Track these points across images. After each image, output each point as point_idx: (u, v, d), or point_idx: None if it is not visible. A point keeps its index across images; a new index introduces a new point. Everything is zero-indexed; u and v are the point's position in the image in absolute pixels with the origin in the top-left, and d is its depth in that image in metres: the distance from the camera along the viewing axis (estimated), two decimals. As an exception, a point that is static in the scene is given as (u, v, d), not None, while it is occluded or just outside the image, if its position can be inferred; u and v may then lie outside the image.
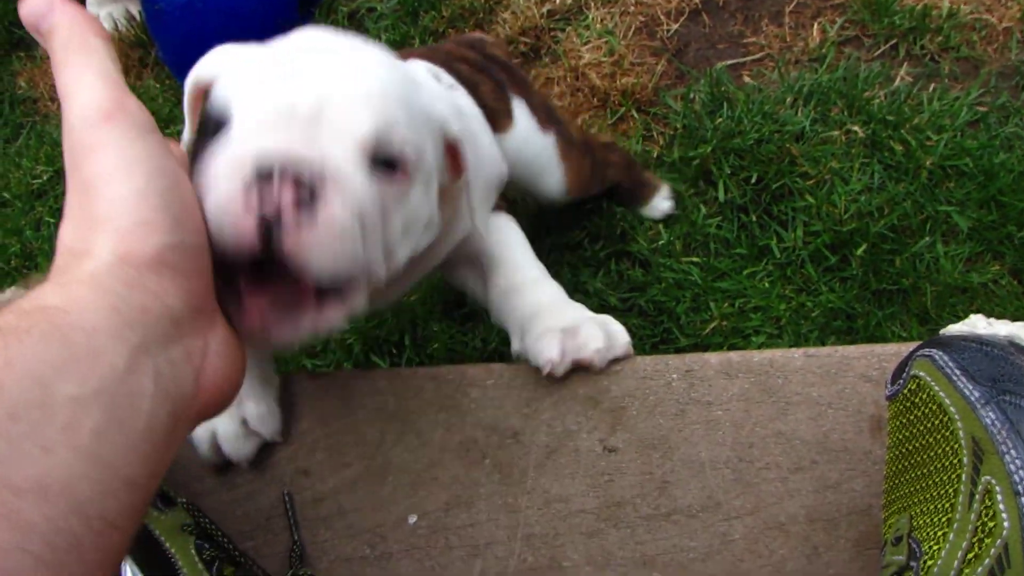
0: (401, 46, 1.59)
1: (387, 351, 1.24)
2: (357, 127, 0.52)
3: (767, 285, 1.23)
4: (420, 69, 0.79)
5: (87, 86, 0.44)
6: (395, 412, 0.75)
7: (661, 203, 1.31)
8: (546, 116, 1.06)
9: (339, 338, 1.26)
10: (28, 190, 1.69)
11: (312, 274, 0.49)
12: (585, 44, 1.52)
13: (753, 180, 1.30)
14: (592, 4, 1.58)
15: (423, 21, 1.62)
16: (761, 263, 1.25)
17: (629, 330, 1.19)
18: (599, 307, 1.22)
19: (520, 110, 1.01)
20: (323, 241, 0.48)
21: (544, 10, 1.58)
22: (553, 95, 1.49)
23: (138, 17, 1.95)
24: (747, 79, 1.47)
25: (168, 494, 0.65)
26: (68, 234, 0.42)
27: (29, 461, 0.33)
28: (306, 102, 0.51)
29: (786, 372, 0.72)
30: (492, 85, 0.98)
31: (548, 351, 0.72)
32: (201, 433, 0.72)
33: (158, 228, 0.42)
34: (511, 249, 0.82)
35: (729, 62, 1.50)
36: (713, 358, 0.75)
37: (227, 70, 0.58)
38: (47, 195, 1.68)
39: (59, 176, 1.70)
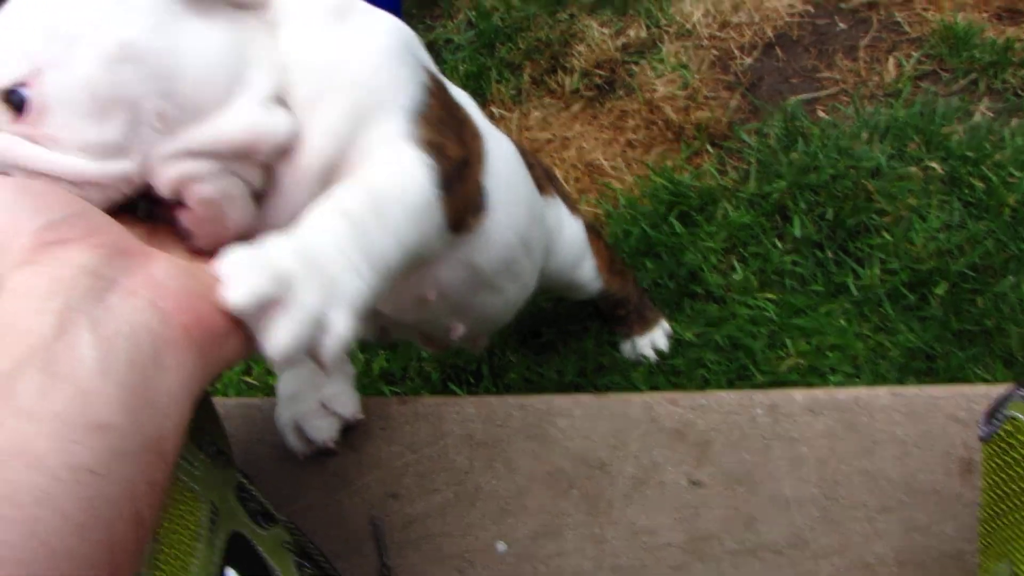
0: (478, 77, 1.63)
1: (465, 380, 1.26)
2: None
3: (844, 323, 1.22)
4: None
5: None
6: (483, 440, 0.77)
7: (659, 338, 1.23)
8: (573, 206, 1.04)
9: (417, 367, 1.29)
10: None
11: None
12: (659, 78, 1.54)
13: (829, 216, 1.30)
14: (666, 38, 1.60)
15: (500, 53, 1.66)
16: (838, 300, 1.24)
17: (705, 365, 1.21)
18: (675, 344, 1.23)
19: (555, 202, 0.98)
20: None
21: (619, 43, 1.60)
22: (627, 128, 1.51)
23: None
24: (821, 114, 1.47)
25: (269, 512, 0.67)
26: None
27: None
28: None
29: (871, 410, 0.73)
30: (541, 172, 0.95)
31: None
32: (284, 421, 0.76)
33: (21, 225, 0.44)
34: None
35: (803, 96, 1.50)
36: (798, 394, 0.75)
37: None
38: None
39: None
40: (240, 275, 0.46)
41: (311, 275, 0.47)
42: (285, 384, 0.79)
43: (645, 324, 1.22)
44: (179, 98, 0.52)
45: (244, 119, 0.54)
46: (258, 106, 0.54)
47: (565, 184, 1.45)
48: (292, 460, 0.80)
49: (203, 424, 0.67)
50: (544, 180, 0.94)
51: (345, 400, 0.77)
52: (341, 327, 0.48)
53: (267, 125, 0.55)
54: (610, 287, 1.10)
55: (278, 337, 0.45)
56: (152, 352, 0.42)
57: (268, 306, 0.45)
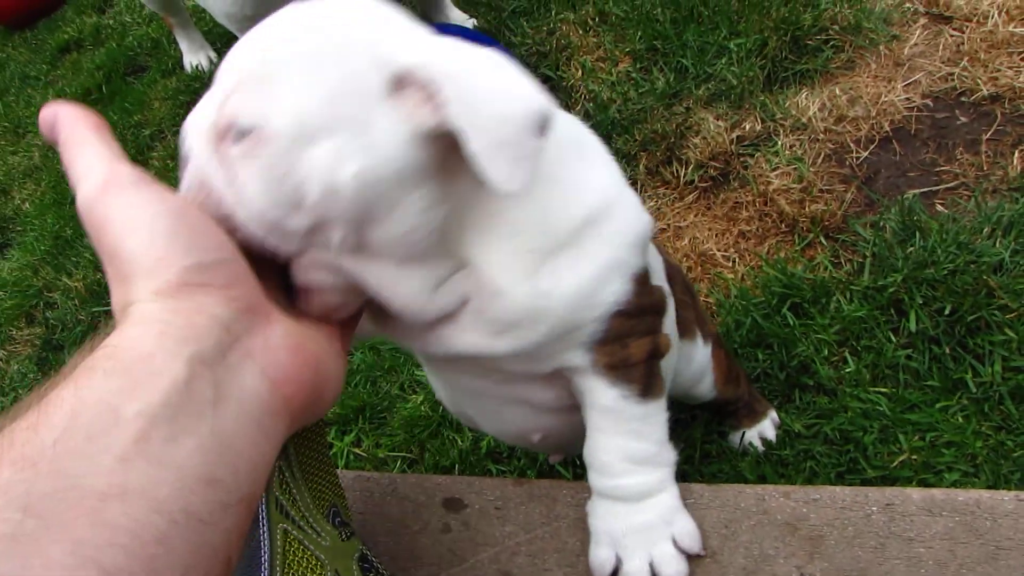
0: (594, 168, 1.68)
1: (571, 462, 1.28)
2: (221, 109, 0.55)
3: (961, 420, 1.19)
4: None
5: (85, 169, 0.50)
6: (594, 523, 0.79)
7: (768, 429, 1.23)
8: (706, 326, 1.03)
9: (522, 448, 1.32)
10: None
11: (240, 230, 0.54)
12: (774, 170, 1.56)
13: (947, 311, 1.28)
14: (781, 131, 1.63)
15: (616, 143, 1.72)
16: (955, 397, 1.22)
17: (813, 457, 1.19)
18: (783, 435, 1.22)
19: (693, 343, 0.98)
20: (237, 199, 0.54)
21: (734, 136, 1.64)
22: (741, 219, 1.53)
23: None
24: (940, 208, 1.46)
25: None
26: (115, 300, 0.48)
27: (109, 472, 0.39)
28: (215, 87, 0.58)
29: (995, 515, 0.71)
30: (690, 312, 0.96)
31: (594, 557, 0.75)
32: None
33: (173, 259, 0.47)
34: None
35: (921, 190, 1.49)
36: (915, 493, 0.75)
37: None
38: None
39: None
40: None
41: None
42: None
43: (754, 417, 1.23)
44: (368, 240, 0.56)
45: (405, 292, 0.59)
46: (422, 292, 0.60)
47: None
48: (407, 534, 0.83)
49: (331, 497, 0.72)
50: (691, 322, 0.95)
51: (691, 530, 0.76)
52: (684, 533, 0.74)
53: (421, 306, 0.61)
54: (724, 395, 1.11)
55: None
56: (257, 418, 0.47)
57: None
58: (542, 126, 0.52)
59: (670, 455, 0.75)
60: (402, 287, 0.59)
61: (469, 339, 0.64)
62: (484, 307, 0.63)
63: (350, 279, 0.58)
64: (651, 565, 0.72)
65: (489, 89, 0.53)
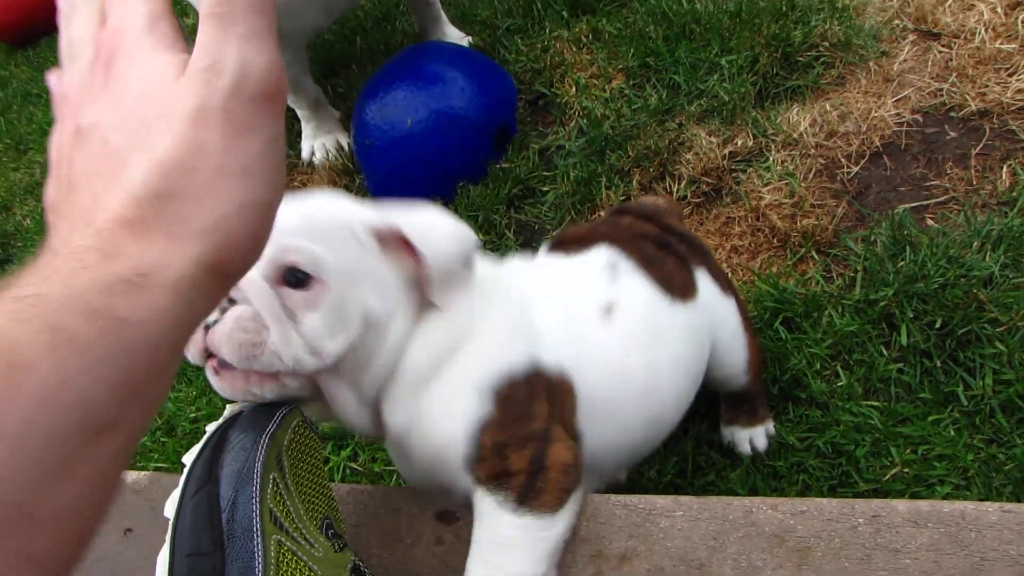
0: (588, 183, 1.70)
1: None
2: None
3: (952, 433, 1.20)
4: (597, 260, 0.94)
5: (254, 52, 0.42)
6: (586, 536, 0.80)
7: (760, 437, 1.25)
8: (726, 283, 1.10)
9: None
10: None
11: (224, 357, 0.69)
12: (766, 185, 1.58)
13: (937, 325, 1.29)
14: (773, 147, 1.65)
15: (610, 159, 1.73)
16: (946, 410, 1.23)
17: (806, 470, 1.20)
18: (777, 447, 1.23)
19: (703, 279, 1.05)
20: (222, 337, 0.68)
21: (726, 152, 1.65)
22: (733, 234, 1.54)
23: (347, 148, 2.18)
24: (931, 222, 1.47)
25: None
26: (133, 208, 0.40)
27: None
28: None
29: (979, 526, 0.72)
30: (675, 260, 1.02)
31: None
32: None
33: (250, 248, 0.44)
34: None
35: (911, 205, 1.51)
36: (901, 505, 0.75)
37: None
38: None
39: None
40: None
41: None
42: None
43: (753, 420, 1.24)
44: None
45: (344, 404, 0.78)
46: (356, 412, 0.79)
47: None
48: (400, 546, 0.84)
49: (324, 509, 0.73)
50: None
51: None
52: None
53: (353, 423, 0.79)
54: (753, 383, 1.16)
55: None
56: None
57: None
58: (469, 259, 0.78)
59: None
60: (343, 400, 0.77)
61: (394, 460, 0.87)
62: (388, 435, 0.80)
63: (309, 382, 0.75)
64: None
65: (440, 234, 0.76)
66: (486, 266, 0.84)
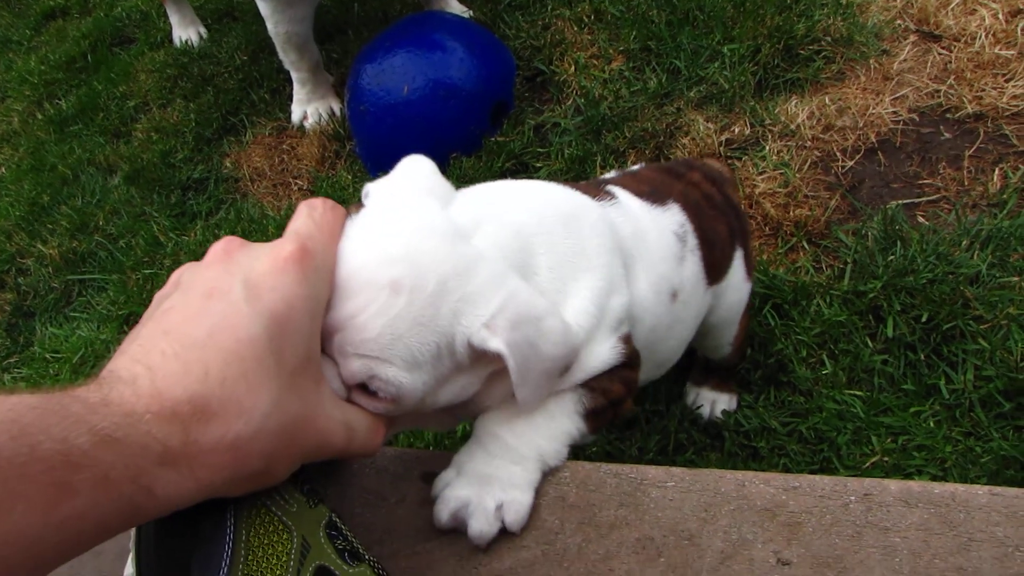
0: (583, 162, 1.69)
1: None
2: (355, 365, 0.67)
3: (932, 425, 1.21)
4: (671, 224, 0.93)
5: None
6: (575, 503, 0.79)
7: (724, 403, 1.30)
8: (751, 267, 1.10)
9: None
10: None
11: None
12: (761, 174, 1.58)
13: (923, 319, 1.30)
14: (769, 136, 1.65)
15: (605, 139, 1.73)
16: (928, 402, 1.24)
17: (788, 456, 1.21)
18: (759, 428, 1.24)
19: (738, 261, 1.05)
20: None
21: (723, 139, 1.66)
22: (726, 219, 1.55)
23: (338, 114, 2.16)
24: (921, 219, 1.48)
25: (357, 550, 0.70)
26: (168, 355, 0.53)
27: None
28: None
29: (968, 508, 0.73)
30: (727, 231, 1.02)
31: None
32: (451, 503, 0.77)
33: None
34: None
35: (903, 201, 1.52)
36: (893, 484, 0.76)
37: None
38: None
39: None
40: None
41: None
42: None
43: (721, 387, 1.29)
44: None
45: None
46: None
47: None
48: (384, 506, 0.83)
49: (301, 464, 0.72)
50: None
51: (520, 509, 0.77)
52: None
53: None
54: (733, 358, 1.19)
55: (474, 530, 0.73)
56: None
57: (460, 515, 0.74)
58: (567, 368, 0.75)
59: (551, 458, 0.79)
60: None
61: None
62: None
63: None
64: (468, 507, 0.75)
65: (544, 347, 0.70)
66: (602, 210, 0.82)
